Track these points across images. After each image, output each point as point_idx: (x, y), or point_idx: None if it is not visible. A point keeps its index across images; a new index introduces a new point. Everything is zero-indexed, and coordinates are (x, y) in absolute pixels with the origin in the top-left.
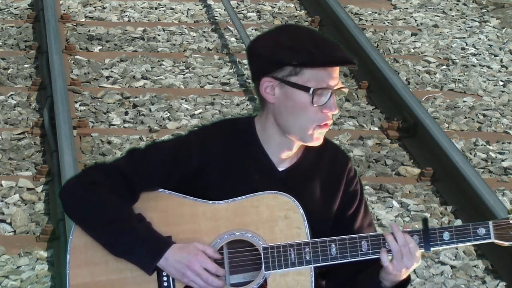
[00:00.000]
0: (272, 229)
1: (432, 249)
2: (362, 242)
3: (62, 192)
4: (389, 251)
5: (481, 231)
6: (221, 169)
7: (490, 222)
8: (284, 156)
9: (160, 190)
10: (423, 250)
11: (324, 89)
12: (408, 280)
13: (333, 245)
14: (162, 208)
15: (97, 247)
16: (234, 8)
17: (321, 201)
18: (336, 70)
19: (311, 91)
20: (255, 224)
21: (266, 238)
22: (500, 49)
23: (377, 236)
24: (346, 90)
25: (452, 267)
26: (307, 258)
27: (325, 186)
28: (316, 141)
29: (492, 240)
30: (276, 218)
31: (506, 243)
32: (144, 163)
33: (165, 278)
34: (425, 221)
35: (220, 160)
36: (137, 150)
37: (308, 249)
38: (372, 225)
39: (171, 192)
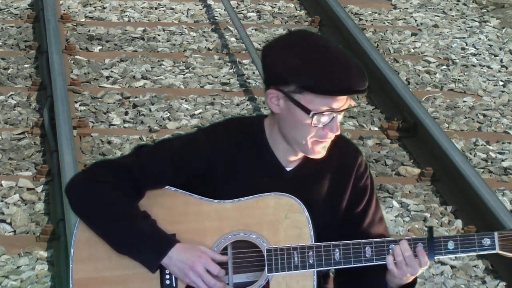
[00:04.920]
0: (277, 231)
1: (436, 257)
2: (366, 248)
3: (68, 188)
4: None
5: (486, 241)
6: (228, 169)
7: (496, 233)
8: (291, 159)
9: (166, 187)
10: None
11: (326, 112)
12: (414, 282)
13: (337, 250)
14: (168, 206)
15: (101, 243)
16: (234, 8)
17: (329, 198)
18: None
19: (311, 114)
20: (259, 225)
21: (270, 240)
22: (500, 49)
23: (382, 243)
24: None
25: (452, 267)
26: (311, 261)
27: (335, 181)
28: (317, 154)
29: (497, 251)
30: (281, 219)
31: (511, 255)
32: (151, 161)
33: (167, 276)
34: (430, 229)
35: (228, 160)
36: (145, 147)
37: (311, 252)
38: (383, 220)
39: (177, 189)
